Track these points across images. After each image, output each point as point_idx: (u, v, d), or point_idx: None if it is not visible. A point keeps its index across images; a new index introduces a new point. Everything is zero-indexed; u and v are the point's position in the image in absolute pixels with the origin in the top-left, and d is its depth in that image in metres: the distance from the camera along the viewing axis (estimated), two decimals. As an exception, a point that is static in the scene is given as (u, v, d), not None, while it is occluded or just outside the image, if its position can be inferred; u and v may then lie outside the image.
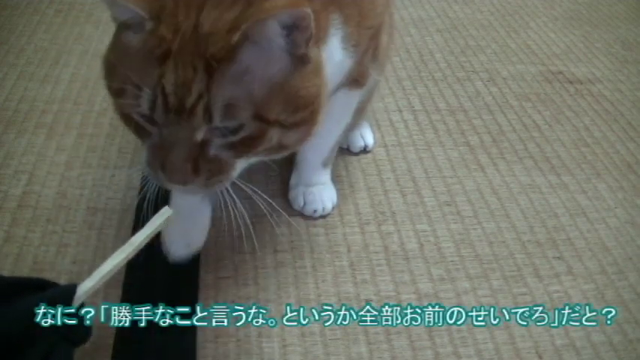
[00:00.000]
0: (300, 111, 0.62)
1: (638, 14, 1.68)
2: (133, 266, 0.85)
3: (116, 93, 0.62)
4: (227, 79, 0.58)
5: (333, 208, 0.97)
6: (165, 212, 0.71)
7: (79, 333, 0.69)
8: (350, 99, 0.87)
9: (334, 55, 0.71)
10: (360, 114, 0.98)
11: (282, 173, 1.02)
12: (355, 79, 0.83)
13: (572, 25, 1.60)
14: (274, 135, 0.62)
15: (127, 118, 0.64)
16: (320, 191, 0.96)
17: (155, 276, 0.84)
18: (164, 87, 0.57)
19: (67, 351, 0.69)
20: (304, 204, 0.95)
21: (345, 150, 1.10)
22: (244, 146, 0.62)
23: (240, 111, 0.59)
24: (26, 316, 0.67)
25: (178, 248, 0.84)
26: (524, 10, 1.66)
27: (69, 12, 1.47)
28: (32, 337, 0.67)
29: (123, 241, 0.88)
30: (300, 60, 0.62)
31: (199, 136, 0.60)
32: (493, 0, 1.69)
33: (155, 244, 0.85)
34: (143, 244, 0.71)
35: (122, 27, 0.63)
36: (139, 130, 0.63)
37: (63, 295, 0.69)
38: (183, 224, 0.84)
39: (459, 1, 1.67)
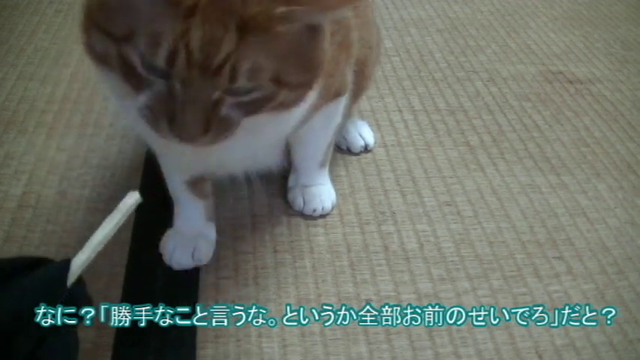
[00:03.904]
0: (308, 73, 0.63)
1: (638, 14, 1.68)
2: (133, 266, 0.86)
3: (118, 37, 0.58)
4: (258, 44, 0.56)
5: (332, 207, 0.97)
6: (132, 195, 0.70)
7: (80, 302, 0.69)
8: (334, 108, 0.87)
9: None
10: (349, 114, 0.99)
11: (282, 173, 1.02)
12: (336, 92, 0.82)
13: (572, 25, 1.60)
14: (282, 96, 0.62)
15: (112, 62, 0.60)
16: (319, 190, 0.96)
17: (155, 276, 0.84)
18: (189, 42, 0.55)
19: (65, 337, 0.69)
20: (304, 203, 0.95)
21: (345, 150, 1.10)
22: (254, 106, 0.61)
23: (263, 74, 0.58)
24: (16, 301, 0.67)
25: (184, 261, 0.84)
26: (524, 10, 1.66)
27: (69, 12, 1.47)
28: (22, 322, 0.66)
29: (123, 241, 0.89)
30: (318, 28, 0.62)
31: (216, 95, 0.58)
32: (493, 0, 1.69)
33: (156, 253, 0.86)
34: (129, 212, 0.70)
35: None
36: (132, 78, 0.59)
37: (57, 272, 0.69)
38: (192, 241, 0.85)
39: (459, 1, 1.67)
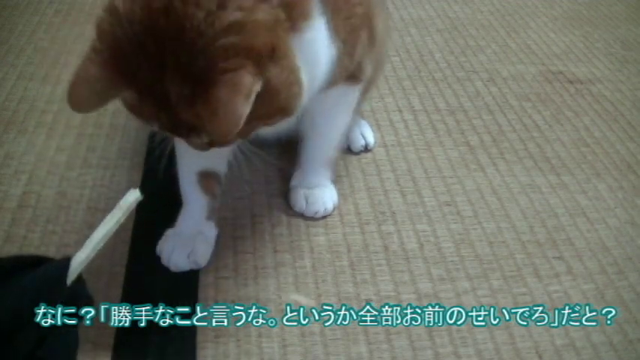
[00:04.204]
0: None
1: (638, 14, 1.68)
2: (133, 266, 0.86)
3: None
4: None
5: (334, 208, 0.97)
6: (132, 193, 0.71)
7: (81, 300, 0.69)
8: (348, 96, 0.87)
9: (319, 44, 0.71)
10: (356, 112, 0.99)
11: (282, 173, 1.02)
12: (352, 74, 0.83)
13: (572, 25, 1.60)
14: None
15: None
16: (322, 192, 0.96)
17: (155, 276, 0.84)
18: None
19: (65, 336, 0.69)
20: (306, 205, 0.95)
21: (345, 150, 1.10)
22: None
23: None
24: (16, 299, 0.67)
25: (181, 262, 0.84)
26: (524, 10, 1.66)
27: (69, 12, 1.47)
28: (22, 321, 0.66)
29: (123, 241, 0.89)
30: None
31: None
32: (493, 0, 1.69)
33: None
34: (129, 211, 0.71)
35: None
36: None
37: (57, 270, 0.69)
38: (190, 241, 0.85)
39: (459, 1, 1.67)
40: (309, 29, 0.68)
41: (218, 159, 0.86)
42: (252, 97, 0.61)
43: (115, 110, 1.15)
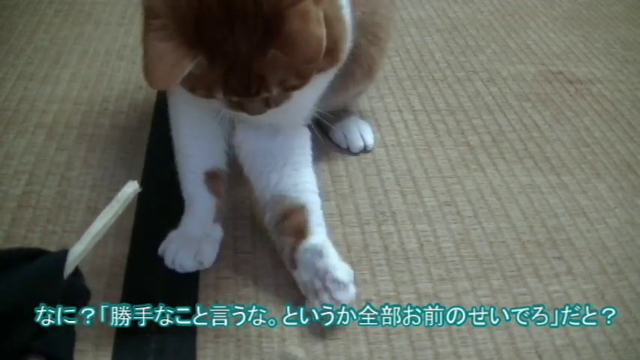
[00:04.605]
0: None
1: (638, 14, 1.68)
2: (133, 266, 0.86)
3: None
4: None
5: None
6: (131, 185, 0.72)
7: (77, 297, 0.69)
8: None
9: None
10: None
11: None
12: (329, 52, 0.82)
13: (572, 25, 1.60)
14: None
15: None
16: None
17: (155, 276, 0.84)
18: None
19: (63, 329, 0.69)
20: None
21: (345, 150, 1.10)
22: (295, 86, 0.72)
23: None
24: (13, 291, 0.67)
25: (187, 263, 0.84)
26: (524, 10, 1.66)
27: (69, 12, 1.47)
28: (19, 312, 0.66)
29: (123, 241, 0.89)
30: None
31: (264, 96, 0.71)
32: (493, 0, 1.69)
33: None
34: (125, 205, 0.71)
35: None
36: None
37: (54, 262, 0.69)
38: (196, 243, 0.85)
39: (459, 1, 1.67)
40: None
41: (222, 156, 0.87)
42: (322, 22, 0.64)
43: (115, 110, 1.15)
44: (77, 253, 0.68)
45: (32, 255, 0.73)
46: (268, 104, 0.73)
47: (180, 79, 0.66)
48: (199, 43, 0.65)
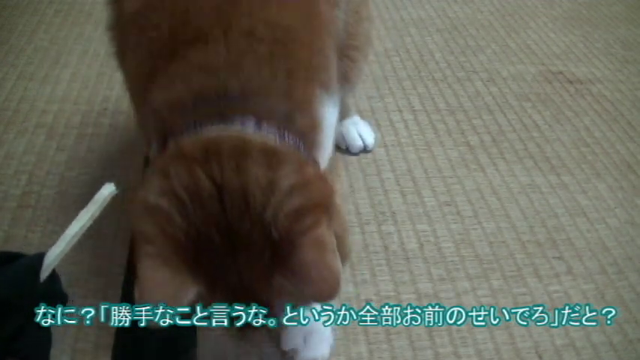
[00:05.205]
0: None
1: (638, 14, 1.68)
2: (133, 266, 0.86)
3: None
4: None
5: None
6: (107, 187, 0.71)
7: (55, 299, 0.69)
8: None
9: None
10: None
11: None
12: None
13: (572, 25, 1.60)
14: None
15: None
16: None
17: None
18: None
19: (40, 332, 0.68)
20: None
21: (345, 150, 1.10)
22: None
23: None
24: None
25: None
26: (524, 10, 1.66)
27: (69, 12, 1.47)
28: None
29: (123, 241, 0.89)
30: None
31: None
32: (493, 0, 1.69)
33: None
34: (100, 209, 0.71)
35: None
36: None
37: (30, 266, 0.68)
38: None
39: (459, 1, 1.67)
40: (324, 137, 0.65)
41: None
42: (336, 250, 0.56)
43: (115, 110, 1.15)
44: (54, 256, 0.68)
45: (9, 258, 0.72)
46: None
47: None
48: (198, 273, 0.58)
